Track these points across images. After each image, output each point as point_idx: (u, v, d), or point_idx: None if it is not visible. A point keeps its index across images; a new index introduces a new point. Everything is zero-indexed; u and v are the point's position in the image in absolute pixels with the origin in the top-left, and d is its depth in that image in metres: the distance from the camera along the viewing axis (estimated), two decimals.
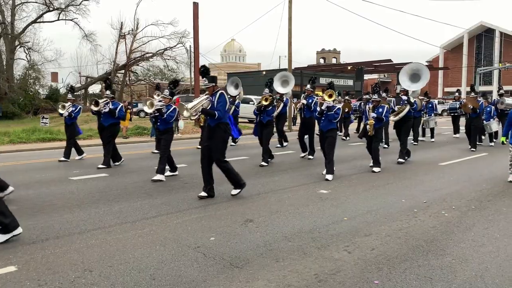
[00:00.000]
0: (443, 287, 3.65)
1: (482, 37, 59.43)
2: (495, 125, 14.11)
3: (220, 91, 6.75)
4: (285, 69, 36.47)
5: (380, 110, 9.34)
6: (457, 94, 18.09)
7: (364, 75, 39.59)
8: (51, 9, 34.37)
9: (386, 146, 13.70)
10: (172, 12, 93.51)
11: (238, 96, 13.31)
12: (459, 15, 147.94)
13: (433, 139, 16.06)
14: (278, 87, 13.06)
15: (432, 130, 16.39)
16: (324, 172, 8.62)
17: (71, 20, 35.11)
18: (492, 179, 8.41)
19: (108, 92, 10.10)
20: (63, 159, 10.76)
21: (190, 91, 42.40)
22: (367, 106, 10.14)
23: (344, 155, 11.74)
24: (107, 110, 9.71)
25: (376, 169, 9.24)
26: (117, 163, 10.00)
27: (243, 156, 11.47)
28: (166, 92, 8.69)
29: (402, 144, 10.60)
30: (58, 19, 35.04)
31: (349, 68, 38.14)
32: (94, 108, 9.90)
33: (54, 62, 36.34)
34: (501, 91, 16.04)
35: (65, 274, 3.87)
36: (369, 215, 5.82)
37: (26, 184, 7.82)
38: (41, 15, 34.80)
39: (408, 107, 10.43)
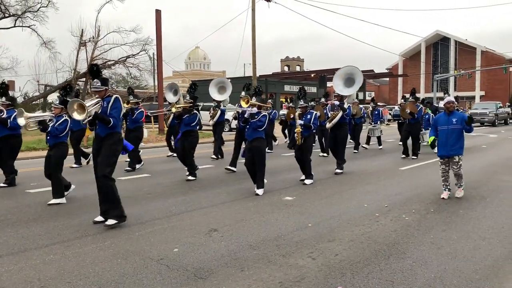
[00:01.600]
0: None
1: (438, 45, 61.95)
2: (427, 136, 13.19)
3: (115, 96, 5.98)
4: (249, 77, 36.66)
5: (308, 116, 8.57)
6: (403, 101, 17.22)
7: (327, 83, 40.33)
8: (6, 15, 33.09)
9: (325, 154, 13.17)
10: (135, 19, 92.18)
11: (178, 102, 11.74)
12: (416, 24, 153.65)
13: (380, 147, 15.44)
14: (214, 94, 12.36)
15: (378, 138, 15.57)
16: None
17: (28, 27, 33.92)
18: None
19: (3, 99, 8.74)
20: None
21: (153, 99, 41.85)
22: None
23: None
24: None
25: (308, 181, 8.57)
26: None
27: (208, 165, 11.40)
28: (57, 101, 7.51)
29: (338, 153, 10.03)
30: (14, 26, 33.81)
31: (312, 75, 38.81)
32: None
33: (10, 70, 35.01)
34: (446, 95, 15.52)
35: None
36: (333, 221, 5.90)
37: None
38: None
39: (340, 113, 9.79)
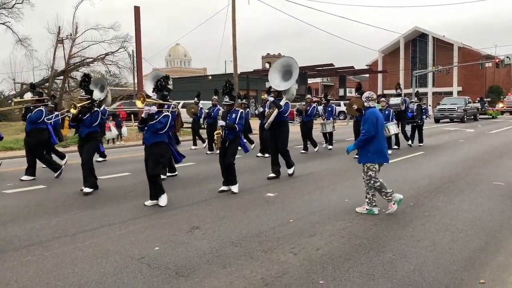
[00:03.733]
0: (385, 282, 3.78)
1: (417, 41, 62.80)
2: (393, 128, 12.21)
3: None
4: (231, 74, 36.58)
5: (233, 116, 7.40)
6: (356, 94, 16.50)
7: (308, 79, 40.56)
8: None
9: (266, 155, 12.23)
10: (113, 16, 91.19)
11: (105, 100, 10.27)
12: (395, 20, 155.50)
13: (330, 147, 14.46)
14: (150, 89, 10.39)
15: (330, 136, 14.71)
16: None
17: (3, 24, 33.14)
18: (428, 177, 8.86)
19: None
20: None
21: (134, 97, 41.36)
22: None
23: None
24: None
25: (234, 189, 7.45)
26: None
27: (189, 163, 11.33)
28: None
29: (282, 155, 9.07)
30: None
31: None
32: None
33: None
34: (398, 91, 14.86)
35: None
36: (314, 216, 5.94)
37: None
38: None
39: (276, 111, 8.64)
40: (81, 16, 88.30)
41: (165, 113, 6.61)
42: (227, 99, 7.56)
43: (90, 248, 4.75)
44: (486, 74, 57.90)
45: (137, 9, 21.62)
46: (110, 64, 35.02)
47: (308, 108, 13.43)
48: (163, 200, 6.61)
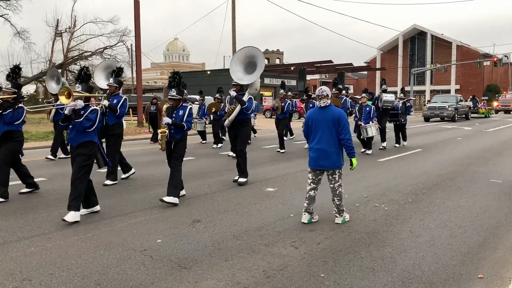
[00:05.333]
0: (385, 276, 3.84)
1: (416, 39, 62.84)
2: (372, 130, 11.68)
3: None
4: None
5: (181, 113, 6.41)
6: (344, 92, 15.16)
7: (307, 76, 40.56)
8: None
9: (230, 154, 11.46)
10: (112, 10, 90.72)
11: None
12: (394, 18, 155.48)
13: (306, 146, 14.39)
14: (101, 80, 9.27)
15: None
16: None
17: (1, 16, 32.92)
18: (426, 173, 8.93)
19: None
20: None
21: (132, 91, 41.31)
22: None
23: (288, 152, 11.95)
24: None
25: (173, 200, 6.24)
26: None
27: (189, 157, 11.37)
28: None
29: (240, 155, 7.93)
30: None
31: (292, 68, 38.91)
32: None
33: None
34: (384, 87, 13.67)
35: (1, 285, 3.65)
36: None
37: None
38: None
39: (238, 107, 7.68)
40: (80, 9, 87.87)
41: (92, 108, 5.72)
42: (174, 93, 6.47)
43: (92, 240, 4.79)
44: (484, 73, 58.11)
45: (137, 3, 21.56)
46: (108, 58, 34.83)
47: (283, 104, 12.91)
48: (70, 216, 5.37)
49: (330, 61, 35.16)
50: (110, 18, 35.20)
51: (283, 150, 12.50)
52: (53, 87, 10.47)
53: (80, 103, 5.63)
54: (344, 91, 12.27)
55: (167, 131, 6.39)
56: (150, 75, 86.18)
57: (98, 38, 34.19)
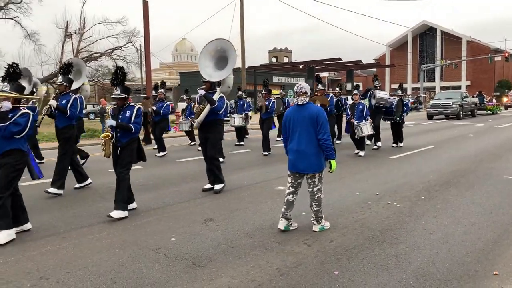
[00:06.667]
0: (399, 273, 3.83)
1: (425, 35, 62.39)
2: (367, 128, 11.00)
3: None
4: (238, 69, 36.45)
5: (128, 113, 5.79)
6: (337, 89, 14.99)
7: (315, 73, 40.49)
8: None
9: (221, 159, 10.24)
10: (121, 11, 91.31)
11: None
12: (403, 14, 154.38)
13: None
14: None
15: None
16: None
17: (11, 18, 33.32)
18: (438, 170, 8.86)
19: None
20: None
21: (141, 92, 41.57)
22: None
23: None
24: None
25: (122, 215, 5.61)
26: None
27: (199, 156, 11.42)
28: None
29: (212, 161, 7.23)
30: None
31: (300, 67, 38.82)
32: None
33: None
34: (376, 83, 13.13)
35: (19, 283, 3.71)
36: (326, 209, 5.97)
37: None
38: None
39: (208, 107, 6.96)
40: (89, 11, 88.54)
41: (22, 111, 4.93)
42: (118, 91, 5.80)
43: (107, 239, 4.84)
44: (495, 68, 57.49)
45: (145, 4, 21.66)
46: (117, 59, 35.13)
47: (267, 103, 11.94)
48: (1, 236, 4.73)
49: (339, 59, 35.03)
50: (119, 19, 35.47)
51: (266, 153, 11.65)
52: (25, 86, 9.91)
53: (7, 105, 4.82)
54: (356, 90, 11.78)
55: (110, 135, 5.74)
56: (159, 75, 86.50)
57: (107, 39, 34.53)
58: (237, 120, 14.03)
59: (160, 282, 3.70)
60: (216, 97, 7.03)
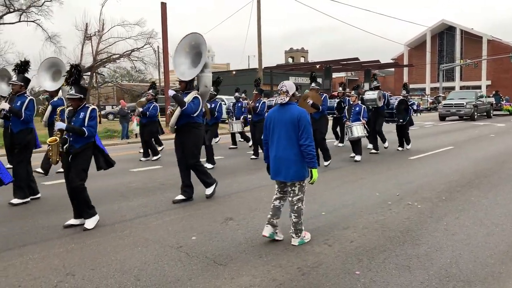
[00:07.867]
0: (421, 274, 3.81)
1: (444, 34, 61.48)
2: (358, 130, 10.23)
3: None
4: (254, 69, 36.53)
5: (81, 115, 5.24)
6: (340, 89, 14.15)
7: (332, 74, 40.30)
8: (11, 10, 33.21)
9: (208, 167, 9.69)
10: (139, 12, 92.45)
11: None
12: (421, 13, 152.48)
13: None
14: (45, 82, 8.77)
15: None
16: None
17: (33, 21, 34.07)
18: (459, 171, 8.75)
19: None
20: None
21: (159, 92, 41.95)
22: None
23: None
24: None
25: (88, 224, 5.30)
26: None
27: (218, 156, 11.49)
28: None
29: (194, 167, 6.69)
30: (19, 21, 33.93)
31: (317, 67, 38.69)
32: None
33: None
34: (374, 83, 12.15)
35: (46, 279, 3.81)
36: (346, 209, 5.97)
37: None
38: (1, 17, 33.60)
39: (178, 109, 6.40)
40: (107, 13, 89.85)
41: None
42: (73, 91, 5.24)
43: (129, 237, 4.92)
44: None
45: (163, 6, 21.89)
46: (136, 60, 35.62)
47: (257, 105, 11.13)
48: None
49: (357, 59, 34.82)
50: (137, 21, 35.90)
51: (255, 157, 11.11)
52: (3, 88, 9.19)
53: (4, 107, 4.55)
54: (353, 91, 11.20)
55: (58, 139, 5.27)
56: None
57: (126, 40, 34.99)
58: (235, 126, 13.36)
59: (183, 280, 3.75)
60: (189, 98, 6.36)
